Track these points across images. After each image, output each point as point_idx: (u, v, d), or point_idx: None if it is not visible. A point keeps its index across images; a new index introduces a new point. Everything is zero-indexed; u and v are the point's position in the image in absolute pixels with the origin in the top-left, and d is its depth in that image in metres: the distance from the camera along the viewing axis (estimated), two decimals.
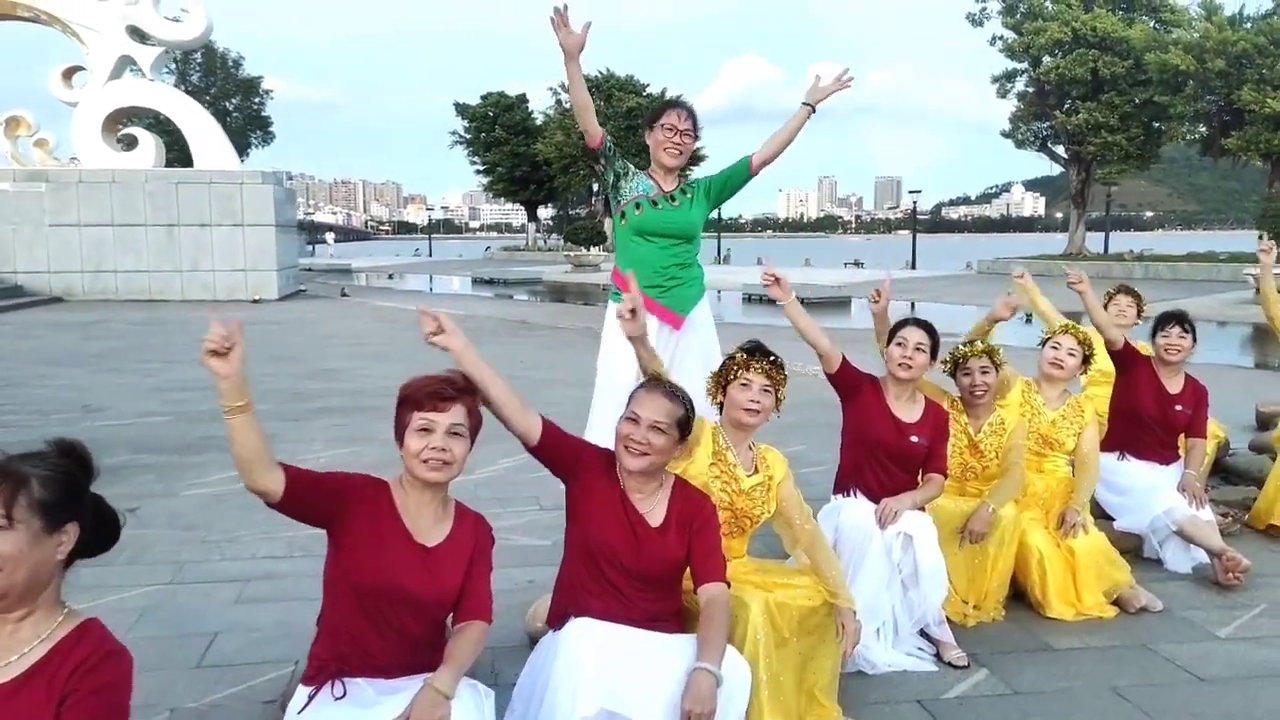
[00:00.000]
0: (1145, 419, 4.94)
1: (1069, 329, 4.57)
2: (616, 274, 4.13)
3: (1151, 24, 45.17)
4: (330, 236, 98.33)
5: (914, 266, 47.45)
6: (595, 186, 60.30)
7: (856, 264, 52.87)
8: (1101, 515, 4.88)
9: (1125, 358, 4.94)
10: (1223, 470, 6.10)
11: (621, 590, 2.80)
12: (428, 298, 30.46)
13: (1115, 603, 4.22)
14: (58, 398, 9.46)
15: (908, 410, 3.85)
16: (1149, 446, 4.97)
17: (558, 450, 2.89)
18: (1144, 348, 5.17)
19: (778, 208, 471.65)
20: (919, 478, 3.87)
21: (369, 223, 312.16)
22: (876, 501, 3.73)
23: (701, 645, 2.64)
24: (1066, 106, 46.72)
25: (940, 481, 3.88)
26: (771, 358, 3.28)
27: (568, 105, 60.28)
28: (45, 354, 13.02)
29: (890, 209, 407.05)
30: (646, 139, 4.13)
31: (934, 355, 3.83)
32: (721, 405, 3.32)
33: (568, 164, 59.15)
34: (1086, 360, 4.58)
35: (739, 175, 4.25)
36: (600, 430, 3.83)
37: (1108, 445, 4.96)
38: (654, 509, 2.88)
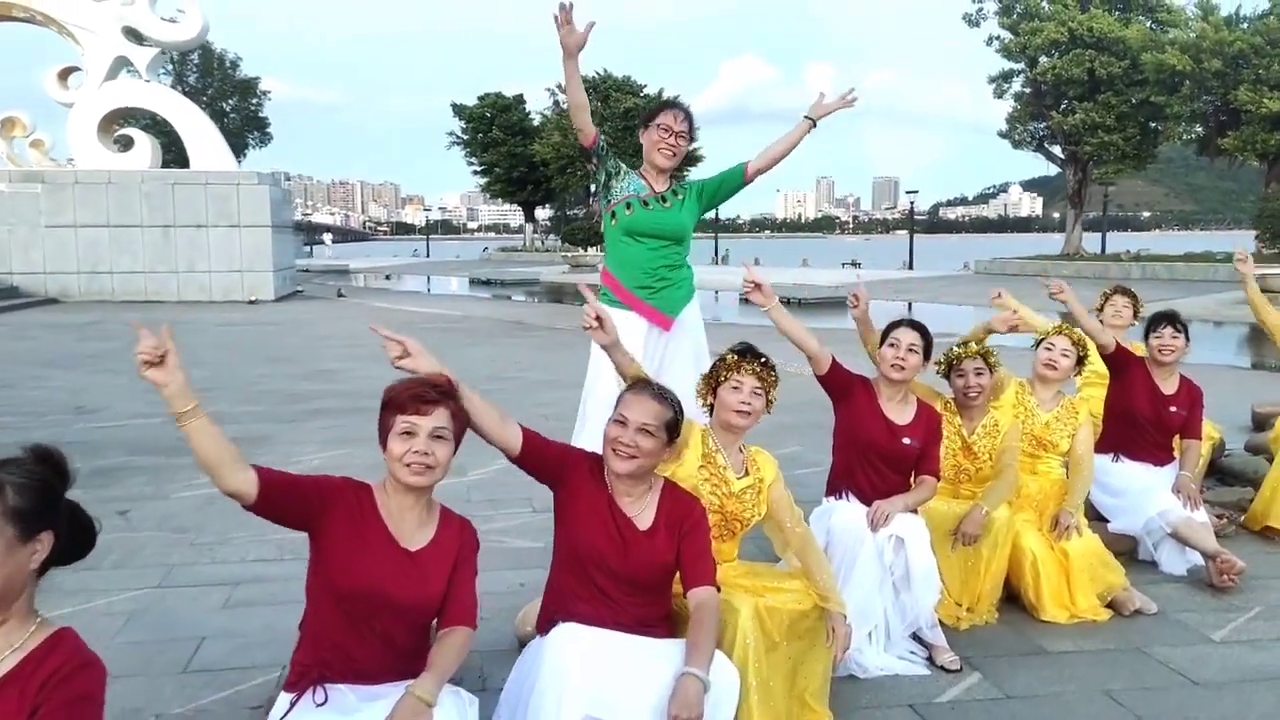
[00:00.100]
0: (1140, 420, 4.92)
1: (1062, 330, 4.54)
2: (606, 274, 4.11)
3: (1148, 24, 45.22)
4: (328, 237, 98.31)
5: (911, 267, 47.46)
6: (593, 187, 60.29)
7: (854, 264, 52.87)
8: (1096, 517, 4.86)
9: (1119, 360, 4.92)
10: (1218, 471, 6.07)
11: (610, 595, 2.78)
12: (425, 299, 30.44)
13: (1109, 605, 4.19)
14: (51, 399, 9.43)
15: (900, 412, 3.83)
16: (1143, 448, 4.95)
17: (541, 458, 2.86)
18: (1138, 348, 5.15)
19: (775, 208, 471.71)
20: (911, 480, 3.84)
21: (367, 223, 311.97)
22: (868, 504, 3.70)
23: (690, 650, 2.61)
24: (1063, 107, 46.75)
25: (933, 484, 3.85)
26: (763, 359, 3.25)
27: (565, 106, 60.29)
28: (40, 355, 12.99)
29: (888, 209, 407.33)
30: (641, 138, 4.10)
31: (927, 357, 3.81)
32: (712, 407, 3.29)
33: (565, 164, 59.13)
34: (1081, 361, 4.56)
35: (733, 181, 4.23)
36: (588, 434, 3.81)
37: (1102, 446, 4.93)
38: (642, 512, 2.85)
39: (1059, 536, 4.23)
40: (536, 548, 4.82)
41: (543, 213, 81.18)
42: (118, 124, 24.41)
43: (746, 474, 3.26)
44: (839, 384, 3.85)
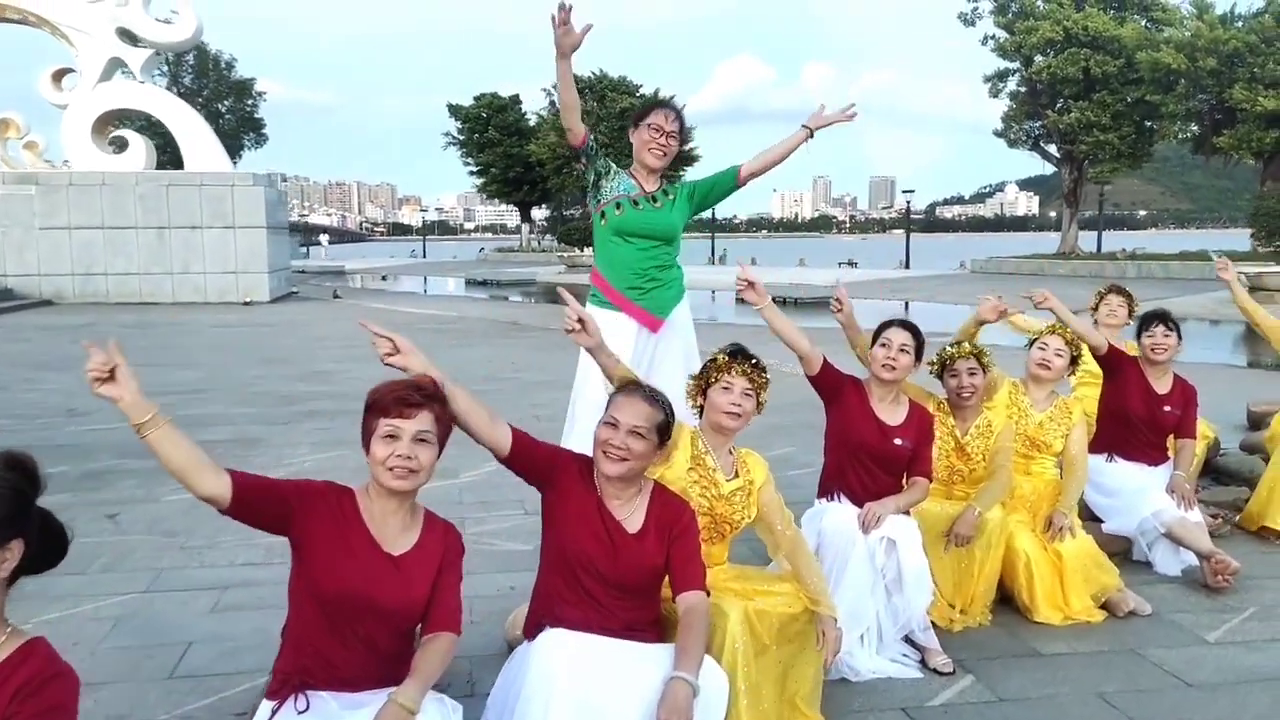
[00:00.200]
0: (1133, 420, 4.90)
1: (1056, 330, 4.52)
2: (595, 274, 4.08)
3: (1143, 23, 45.27)
4: (324, 238, 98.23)
5: (908, 266, 47.47)
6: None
7: (850, 264, 52.90)
8: (1090, 517, 4.83)
9: (1112, 361, 4.90)
10: (1213, 471, 6.05)
11: (598, 599, 2.75)
12: (421, 299, 30.39)
13: (1103, 606, 4.17)
14: (44, 402, 9.40)
15: (891, 413, 3.80)
16: (1137, 447, 4.93)
17: (531, 459, 2.83)
18: (1131, 347, 5.12)
19: (772, 208, 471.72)
20: (903, 481, 3.82)
21: (364, 224, 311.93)
22: (860, 505, 3.68)
23: (679, 654, 2.59)
24: (1058, 106, 46.78)
25: (925, 485, 3.82)
26: (753, 360, 3.22)
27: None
28: (33, 357, 12.94)
29: (884, 209, 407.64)
30: (631, 137, 4.07)
31: (919, 357, 3.78)
32: (701, 409, 3.26)
33: (561, 165, 59.06)
34: (1074, 361, 4.53)
35: (725, 184, 4.20)
36: (578, 434, 3.78)
37: (1096, 446, 4.91)
38: (632, 515, 2.83)
39: (1052, 537, 4.20)
40: (527, 550, 4.79)
41: (539, 213, 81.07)
42: (112, 125, 24.36)
43: (736, 476, 3.23)
44: (830, 384, 3.82)
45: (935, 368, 4.21)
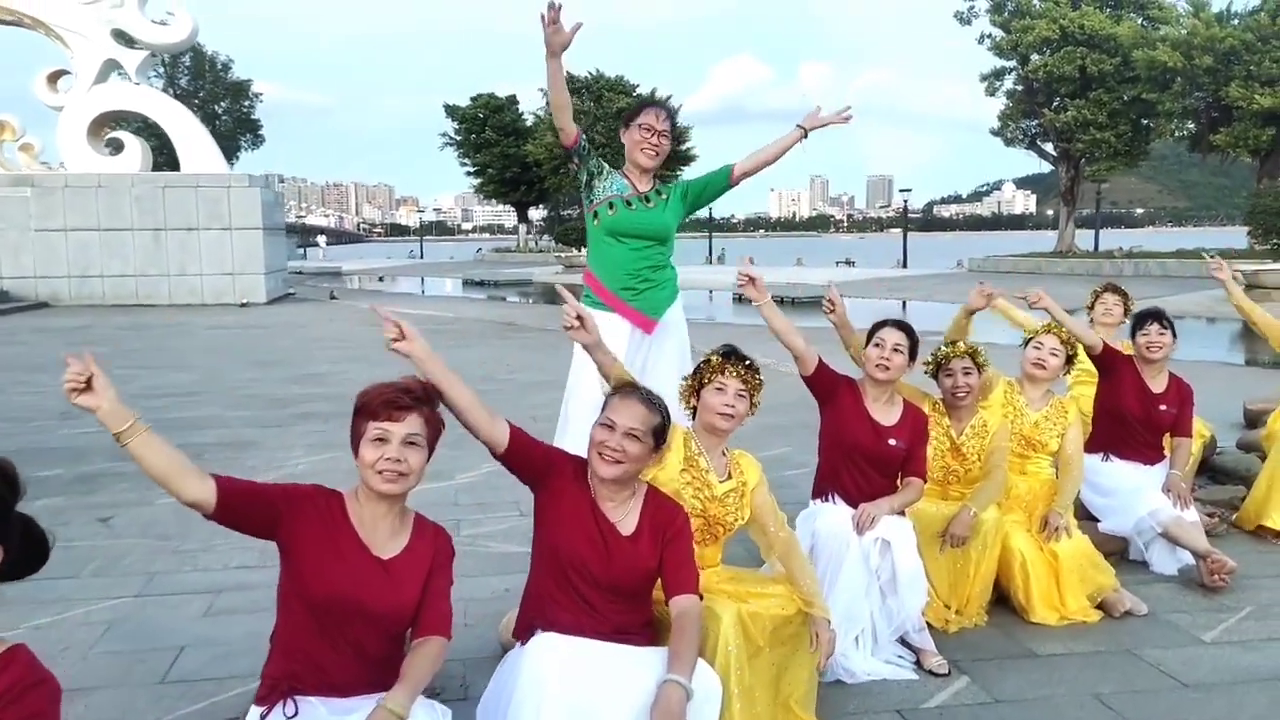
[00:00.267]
0: (1129, 419, 4.88)
1: (1051, 329, 4.50)
2: (588, 275, 4.06)
3: (1139, 21, 45.30)
4: (322, 239, 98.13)
5: (905, 265, 47.48)
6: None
7: (848, 263, 52.91)
8: (1086, 517, 4.82)
9: (1107, 360, 4.88)
10: (1210, 469, 6.04)
11: (590, 601, 2.73)
12: (418, 300, 30.36)
13: (1100, 606, 4.15)
14: (38, 405, 9.36)
15: (886, 413, 3.78)
16: (1133, 447, 4.91)
17: (527, 457, 2.82)
18: (1127, 346, 5.11)
19: (770, 207, 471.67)
20: (898, 481, 3.80)
21: (361, 225, 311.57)
22: (855, 506, 3.66)
23: (672, 658, 2.57)
24: (1055, 104, 46.83)
25: (919, 485, 3.80)
26: (747, 361, 3.21)
27: None
28: (28, 360, 12.91)
29: (882, 208, 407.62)
30: (623, 137, 4.05)
31: (913, 357, 3.76)
32: (695, 410, 3.25)
33: (558, 165, 58.99)
34: (1070, 360, 4.52)
35: (718, 183, 4.18)
36: (571, 435, 3.76)
37: (1092, 446, 4.90)
38: (625, 518, 2.81)
39: (1048, 537, 4.19)
40: (522, 553, 4.72)
41: (536, 213, 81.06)
42: (108, 127, 24.32)
43: (729, 477, 3.22)
44: (824, 385, 3.81)
45: (930, 367, 4.19)
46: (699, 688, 2.55)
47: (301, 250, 76.08)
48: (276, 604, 2.46)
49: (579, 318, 3.10)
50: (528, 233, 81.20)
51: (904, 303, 26.96)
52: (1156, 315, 4.88)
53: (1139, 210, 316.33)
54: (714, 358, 3.20)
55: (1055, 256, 44.45)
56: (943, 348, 4.18)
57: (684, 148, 49.48)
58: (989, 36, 48.00)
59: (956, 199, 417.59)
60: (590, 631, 2.67)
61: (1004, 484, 4.18)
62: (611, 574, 2.74)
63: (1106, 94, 44.40)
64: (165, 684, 3.47)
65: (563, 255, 46.77)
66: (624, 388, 2.92)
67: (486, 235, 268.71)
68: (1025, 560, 4.09)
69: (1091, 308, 5.59)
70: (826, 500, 3.79)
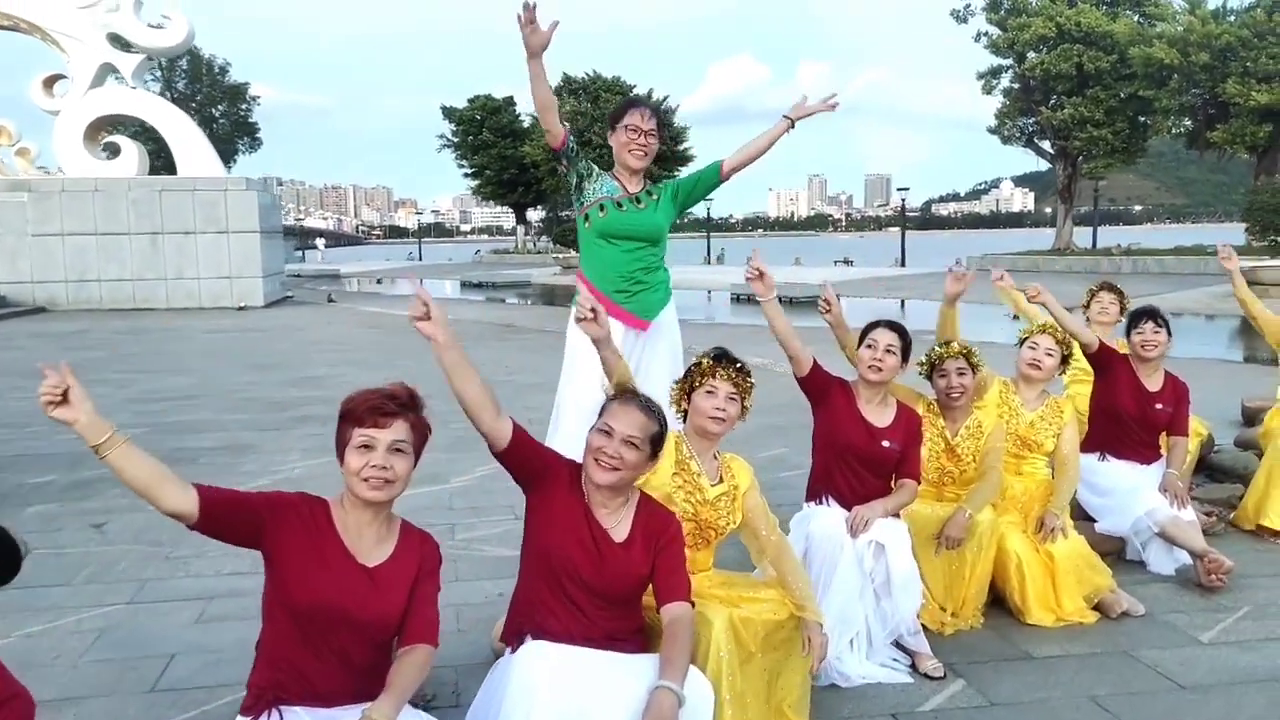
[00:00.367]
0: (1125, 418, 4.86)
1: (1046, 329, 4.48)
2: (581, 277, 4.04)
3: (1135, 18, 45.29)
4: (321, 242, 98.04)
5: (903, 264, 47.45)
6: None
7: (846, 262, 52.90)
8: (1083, 517, 4.80)
9: (1102, 359, 4.86)
10: (1208, 467, 6.02)
11: (581, 607, 2.71)
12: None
13: (1096, 607, 4.13)
14: (34, 410, 9.25)
15: (879, 414, 3.76)
16: (1130, 446, 4.89)
17: (526, 457, 2.80)
18: (1123, 345, 5.09)
19: (768, 206, 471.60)
20: (892, 483, 3.78)
21: (360, 227, 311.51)
22: (849, 508, 3.64)
23: (664, 664, 2.56)
24: (1052, 102, 46.81)
25: (913, 487, 3.78)
26: (738, 364, 3.19)
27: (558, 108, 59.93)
28: (24, 365, 12.86)
29: (880, 206, 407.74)
30: (610, 140, 4.03)
31: (906, 358, 3.74)
32: (685, 413, 3.23)
33: (555, 166, 58.95)
34: (1065, 360, 4.50)
35: (708, 180, 4.16)
36: (562, 435, 3.74)
37: (1088, 446, 4.88)
38: (619, 524, 2.79)
39: (1044, 538, 4.17)
40: (517, 556, 4.72)
41: (534, 214, 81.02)
42: (105, 131, 24.29)
43: (721, 481, 3.20)
44: (818, 386, 3.79)
45: (924, 368, 4.17)
46: (690, 694, 2.53)
47: (300, 253, 76.05)
48: (262, 612, 2.44)
49: (593, 309, 3.08)
50: (526, 234, 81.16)
51: (902, 302, 26.95)
52: (1151, 314, 4.85)
53: (1137, 207, 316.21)
54: (704, 361, 3.18)
55: (1053, 254, 44.45)
56: (936, 348, 4.16)
57: (682, 148, 49.45)
58: (985, 34, 48.00)
59: (955, 197, 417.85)
60: (580, 638, 2.65)
61: (999, 485, 4.15)
62: (603, 580, 2.72)
63: (1103, 91, 44.39)
64: (155, 692, 3.45)
65: (561, 256, 46.72)
66: (624, 394, 2.90)
67: (485, 237, 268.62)
68: (1021, 562, 4.06)
69: (1087, 306, 5.57)
70: (820, 503, 3.77)
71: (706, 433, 3.17)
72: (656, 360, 3.97)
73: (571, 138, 3.92)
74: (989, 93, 49.67)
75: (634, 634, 2.79)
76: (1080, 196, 50.99)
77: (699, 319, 23.21)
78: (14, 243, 22.00)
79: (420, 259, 77.06)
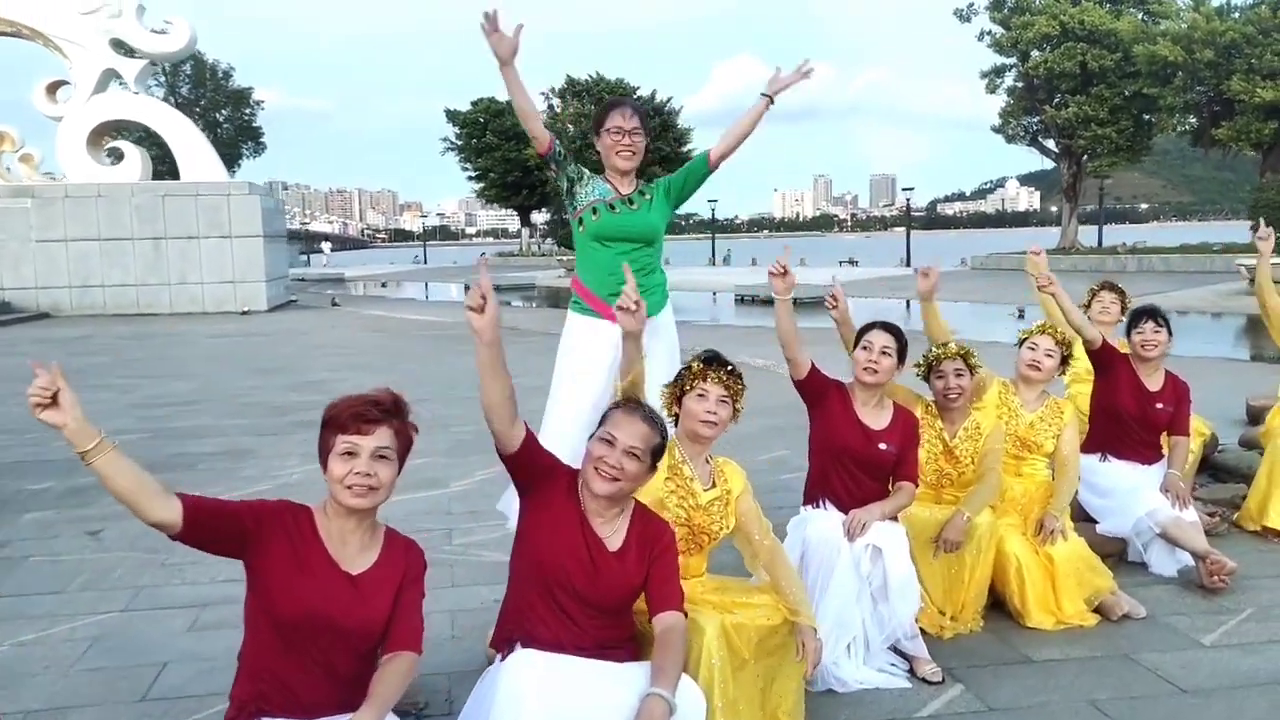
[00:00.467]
0: (1125, 418, 4.82)
1: (1046, 329, 4.44)
2: (576, 282, 4.00)
3: (1139, 16, 45.21)
4: (326, 246, 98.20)
5: (909, 264, 47.35)
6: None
7: (851, 262, 52.82)
8: (1084, 518, 4.75)
9: (1103, 357, 4.82)
10: (1211, 467, 5.97)
11: (573, 616, 2.68)
12: (420, 305, 30.35)
13: (1097, 610, 4.08)
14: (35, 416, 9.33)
15: (875, 416, 3.73)
16: (1130, 446, 4.85)
17: (533, 463, 2.77)
18: (1123, 344, 5.05)
19: (773, 207, 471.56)
20: (889, 486, 3.74)
21: (365, 231, 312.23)
22: (846, 511, 3.60)
23: (655, 672, 2.53)
24: (1056, 100, 46.71)
25: (911, 490, 3.74)
26: (729, 367, 3.16)
27: (559, 109, 60.10)
28: (27, 372, 12.78)
29: (885, 206, 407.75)
30: (597, 145, 3.99)
31: (901, 360, 3.71)
32: (677, 417, 3.20)
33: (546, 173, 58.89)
34: (1065, 361, 4.46)
35: (698, 172, 4.12)
36: (551, 434, 3.71)
37: (1088, 446, 4.84)
38: (614, 534, 2.77)
39: (1044, 540, 4.12)
40: None
41: (539, 217, 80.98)
42: (108, 137, 24.36)
43: (714, 485, 3.17)
44: (814, 389, 3.76)
45: (922, 369, 4.13)
46: (682, 702, 2.50)
47: (305, 257, 76.16)
48: (244, 622, 2.41)
49: (637, 302, 3.09)
50: (530, 237, 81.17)
51: (907, 302, 26.86)
52: (1151, 313, 4.81)
53: (1143, 206, 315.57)
54: (695, 364, 3.15)
55: (1058, 253, 44.28)
56: (934, 349, 4.12)
57: (686, 149, 49.43)
58: (989, 33, 47.92)
59: (960, 196, 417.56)
60: (570, 646, 2.62)
61: (999, 487, 4.11)
62: (597, 590, 2.69)
63: (1107, 89, 44.29)
64: (147, 701, 3.42)
65: (565, 259, 46.77)
66: (628, 403, 2.86)
67: (490, 239, 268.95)
68: (1020, 564, 4.02)
69: (1088, 306, 5.52)
70: (817, 506, 3.73)
71: (698, 436, 3.14)
72: (654, 362, 3.92)
73: (558, 142, 3.89)
74: (993, 92, 49.61)
75: (625, 642, 2.76)
76: (1086, 195, 50.92)
77: (703, 320, 23.18)
78: (18, 248, 22.06)
79: (425, 262, 77.10)
